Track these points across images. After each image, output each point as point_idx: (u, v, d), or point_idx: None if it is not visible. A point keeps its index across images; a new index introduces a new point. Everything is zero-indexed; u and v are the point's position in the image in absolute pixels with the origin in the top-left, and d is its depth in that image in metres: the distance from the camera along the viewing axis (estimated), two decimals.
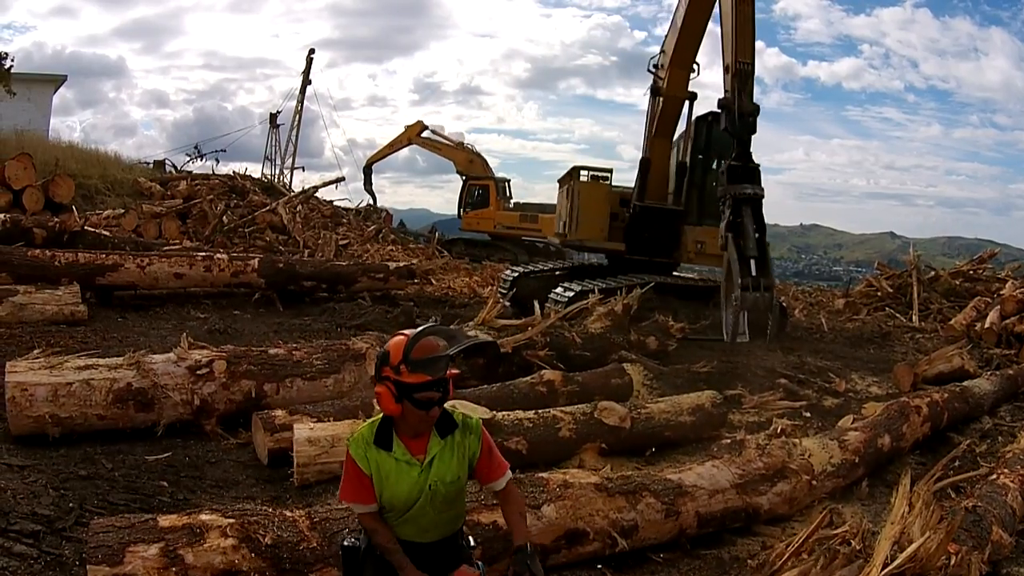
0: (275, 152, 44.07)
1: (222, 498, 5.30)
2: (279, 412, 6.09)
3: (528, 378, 7.53)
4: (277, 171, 41.69)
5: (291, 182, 37.48)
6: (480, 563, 3.01)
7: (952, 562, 3.86)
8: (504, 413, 6.14)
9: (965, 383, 9.77)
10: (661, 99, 14.11)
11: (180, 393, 6.38)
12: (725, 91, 11.60)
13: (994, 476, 5.87)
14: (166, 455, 5.96)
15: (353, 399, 6.52)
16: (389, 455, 2.83)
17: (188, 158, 32.36)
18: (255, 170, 34.86)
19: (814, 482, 5.62)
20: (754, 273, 11.18)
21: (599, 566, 4.65)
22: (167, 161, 30.39)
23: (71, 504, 4.92)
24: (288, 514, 3.91)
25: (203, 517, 3.78)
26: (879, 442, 6.66)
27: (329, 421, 5.80)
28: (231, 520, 3.76)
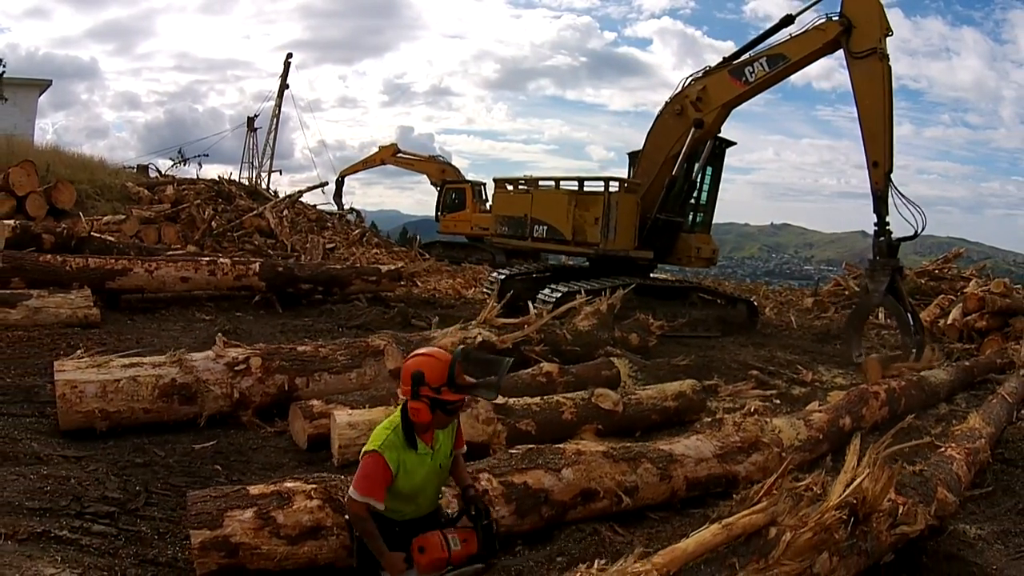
0: (252, 155, 44.29)
1: (272, 478, 5.60)
2: (315, 402, 6.73)
3: (529, 370, 8.32)
4: (255, 174, 41.93)
5: (268, 185, 37.74)
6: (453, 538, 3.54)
7: (900, 511, 4.74)
8: (514, 399, 6.92)
9: (922, 373, 10.70)
10: (701, 131, 14.96)
11: (221, 387, 6.97)
12: (876, 183, 13.06)
13: (943, 449, 6.74)
14: (212, 443, 6.48)
15: (379, 389, 7.19)
16: (415, 453, 3.48)
17: (172, 162, 32.58)
18: (229, 173, 35.15)
19: (783, 454, 6.46)
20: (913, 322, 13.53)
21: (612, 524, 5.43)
22: (151, 165, 30.59)
23: (137, 487, 5.34)
24: None
25: (288, 484, 4.51)
26: (841, 422, 7.53)
27: (363, 409, 6.49)
28: (313, 485, 4.50)
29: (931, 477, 5.59)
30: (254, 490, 4.45)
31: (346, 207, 33.38)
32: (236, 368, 7.13)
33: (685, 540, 3.45)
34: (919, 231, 12.71)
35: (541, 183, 16.35)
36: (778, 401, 9.69)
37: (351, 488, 3.45)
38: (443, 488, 3.89)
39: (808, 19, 13.90)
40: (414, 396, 3.40)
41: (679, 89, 15.22)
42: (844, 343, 14.23)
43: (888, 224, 13.15)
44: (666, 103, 15.42)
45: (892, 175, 13.00)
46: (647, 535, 5.21)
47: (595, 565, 2.86)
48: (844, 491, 3.97)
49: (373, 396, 6.89)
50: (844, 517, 3.94)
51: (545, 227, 15.62)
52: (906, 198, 12.84)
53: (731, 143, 16.34)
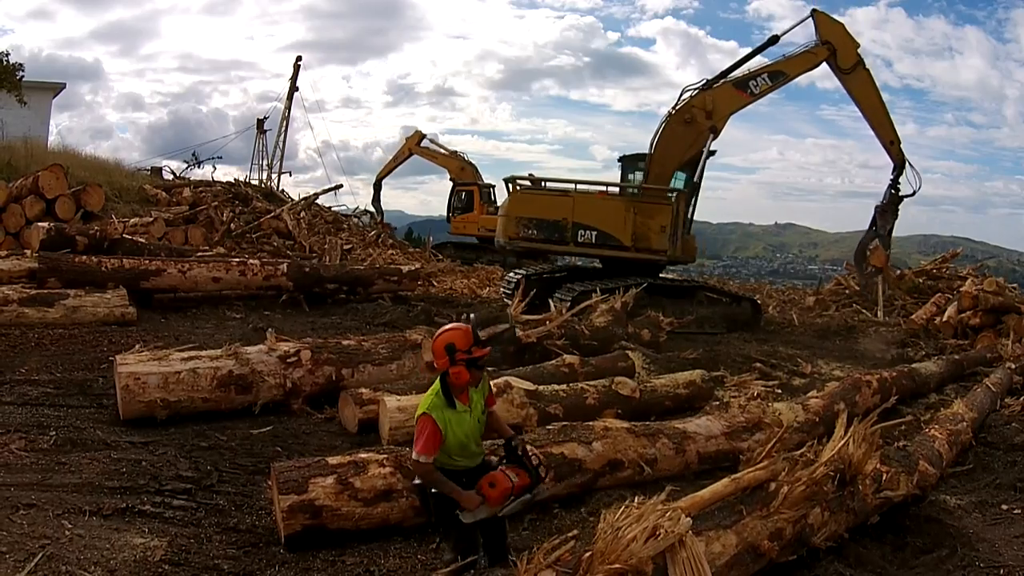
0: (262, 157, 44.57)
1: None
2: (364, 390, 7.35)
3: (553, 361, 9.03)
4: (265, 176, 42.27)
5: (278, 187, 38.13)
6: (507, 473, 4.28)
7: (884, 478, 5.50)
8: (544, 386, 7.65)
9: (913, 365, 11.39)
10: (714, 137, 16.04)
11: (274, 378, 7.57)
12: (896, 155, 16.36)
13: (927, 430, 7.50)
14: (269, 428, 7.01)
15: (419, 379, 7.84)
16: (455, 411, 4.14)
17: (187, 164, 33.06)
18: (235, 174, 35.44)
19: (784, 434, 7.19)
20: None
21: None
22: (166, 167, 31.08)
23: (208, 467, 5.84)
24: None
25: (362, 455, 5.23)
26: (835, 408, 8.22)
27: (408, 395, 7.08)
28: (384, 455, 5.24)
29: (914, 452, 6.36)
30: (333, 460, 5.14)
31: (362, 208, 33.80)
32: (288, 360, 7.73)
33: (702, 491, 4.23)
34: (916, 189, 15.65)
35: (579, 186, 16.50)
36: (779, 391, 10.27)
37: (413, 452, 4.09)
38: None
39: (790, 35, 16.36)
40: (452, 363, 4.07)
41: (682, 100, 16.12)
42: (856, 268, 17.96)
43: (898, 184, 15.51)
44: (671, 113, 16.19)
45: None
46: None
47: (634, 500, 3.58)
48: (831, 453, 4.75)
49: (415, 384, 7.51)
50: (832, 473, 4.75)
51: (594, 232, 15.60)
52: (911, 165, 15.82)
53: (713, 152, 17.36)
